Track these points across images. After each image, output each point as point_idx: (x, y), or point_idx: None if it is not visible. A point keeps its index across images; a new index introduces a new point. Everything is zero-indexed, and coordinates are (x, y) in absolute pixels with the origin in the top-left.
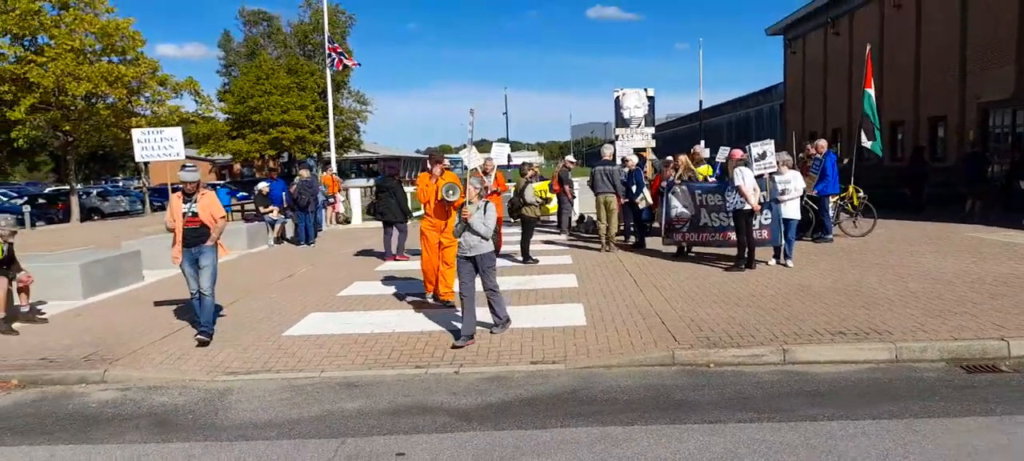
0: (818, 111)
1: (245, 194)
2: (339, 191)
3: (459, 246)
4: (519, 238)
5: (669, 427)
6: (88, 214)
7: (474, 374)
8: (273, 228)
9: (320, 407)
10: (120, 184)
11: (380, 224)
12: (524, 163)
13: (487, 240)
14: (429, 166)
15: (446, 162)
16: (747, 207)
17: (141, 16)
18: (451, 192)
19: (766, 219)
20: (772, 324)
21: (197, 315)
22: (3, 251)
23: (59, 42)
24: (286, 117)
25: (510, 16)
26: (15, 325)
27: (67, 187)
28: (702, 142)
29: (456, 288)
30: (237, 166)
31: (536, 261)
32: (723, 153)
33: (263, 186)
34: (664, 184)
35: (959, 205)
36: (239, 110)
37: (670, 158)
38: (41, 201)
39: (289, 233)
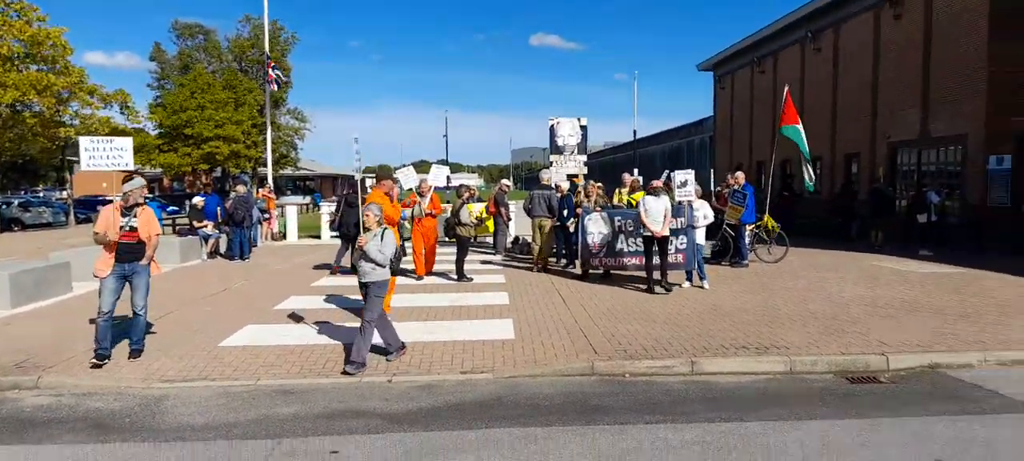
0: (745, 144)
1: (176, 208)
2: (275, 208)
3: (359, 273)
4: (454, 257)
5: (584, 427)
6: (8, 225)
7: (406, 382)
8: (207, 243)
9: (256, 412)
10: (41, 194)
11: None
12: (461, 185)
13: (383, 267)
14: (377, 185)
15: (389, 182)
16: (646, 233)
17: (69, 21)
18: (369, 211)
19: (682, 244)
20: (684, 340)
21: (98, 340)
22: None
23: None
24: (221, 132)
25: (454, 39)
26: None
27: None
28: (636, 171)
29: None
30: (167, 180)
31: (470, 279)
32: (678, 178)
33: (198, 200)
34: (579, 211)
35: (867, 236)
36: (171, 123)
37: (579, 186)
38: None
39: (222, 248)
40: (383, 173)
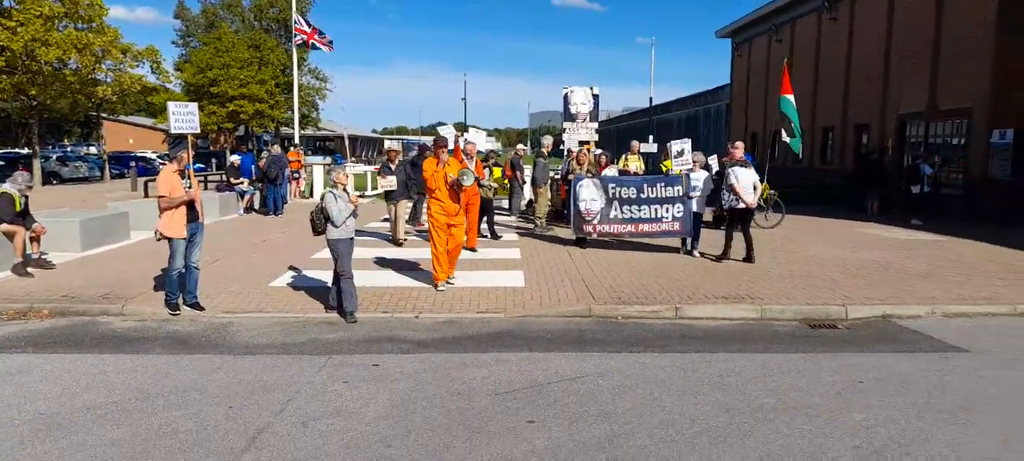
0: (760, 112)
1: (202, 166)
2: (303, 167)
3: (346, 227)
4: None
5: (577, 353)
6: (47, 178)
7: (431, 318)
8: (243, 198)
9: (307, 336)
10: (69, 149)
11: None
12: (489, 151)
13: (336, 228)
14: (436, 154)
15: (449, 148)
16: (741, 205)
17: None
18: (465, 177)
19: (678, 212)
20: (673, 291)
21: (171, 292)
22: (20, 204)
23: (27, 7)
24: (245, 91)
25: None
26: (28, 270)
27: (28, 151)
28: (651, 138)
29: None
30: (192, 138)
31: (500, 237)
32: (674, 148)
33: (234, 159)
34: (571, 177)
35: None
36: (197, 81)
37: (571, 151)
38: (1, 164)
39: (256, 203)
40: (440, 141)
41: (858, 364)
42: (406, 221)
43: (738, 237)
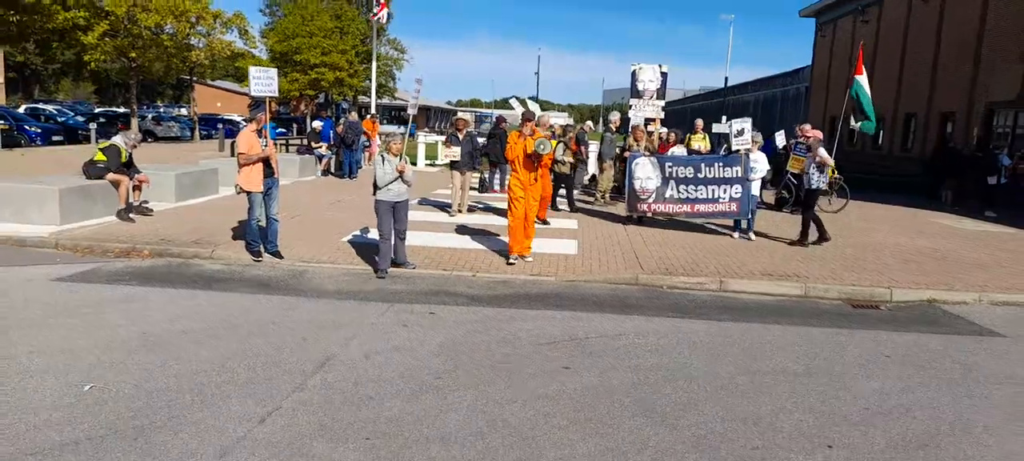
0: (840, 95)
1: (283, 131)
2: (377, 135)
3: (387, 190)
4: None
5: (618, 315)
6: (143, 137)
7: (486, 278)
8: (321, 161)
9: (373, 286)
10: (162, 110)
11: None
12: (566, 126)
13: (409, 187)
14: (520, 126)
15: (534, 122)
16: (820, 185)
17: None
18: (543, 146)
19: (736, 193)
20: (720, 265)
21: (253, 242)
22: (127, 155)
23: None
24: (326, 59)
25: None
26: (131, 215)
27: (125, 110)
28: (724, 118)
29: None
30: (273, 104)
31: (577, 209)
32: (780, 139)
33: (316, 124)
34: (628, 155)
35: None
36: (282, 48)
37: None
38: (102, 120)
39: (333, 167)
40: (528, 115)
41: (890, 341)
42: (478, 190)
43: (792, 220)
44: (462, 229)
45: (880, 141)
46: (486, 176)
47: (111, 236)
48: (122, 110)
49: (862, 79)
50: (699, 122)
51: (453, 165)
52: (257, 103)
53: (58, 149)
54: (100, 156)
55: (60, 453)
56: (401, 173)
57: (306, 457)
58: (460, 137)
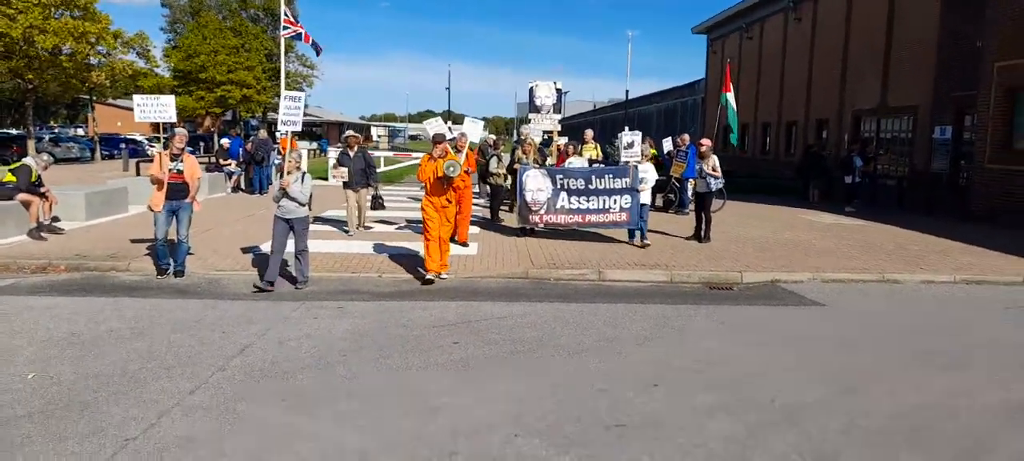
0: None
1: (190, 148)
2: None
3: (278, 208)
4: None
5: (507, 302)
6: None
7: (391, 277)
8: (231, 178)
9: (285, 288)
10: (57, 131)
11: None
12: (496, 139)
13: (303, 206)
14: (431, 148)
15: (446, 143)
16: (716, 188)
17: None
18: (452, 168)
19: (626, 203)
20: (602, 259)
21: (158, 257)
22: (38, 175)
23: None
24: (233, 76)
25: None
26: (42, 234)
27: (19, 132)
28: (627, 128)
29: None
30: (180, 122)
31: (502, 220)
32: (667, 145)
33: (224, 142)
34: (517, 167)
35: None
36: (185, 67)
37: (519, 141)
38: None
39: (243, 183)
40: (438, 137)
41: (731, 312)
42: (372, 207)
43: (678, 218)
44: (371, 237)
45: (767, 147)
46: (380, 193)
47: (25, 254)
48: (15, 132)
49: (729, 96)
50: (589, 132)
51: (346, 184)
52: (169, 127)
53: None
54: (10, 177)
55: (19, 423)
56: (285, 189)
57: (232, 414)
58: (351, 155)
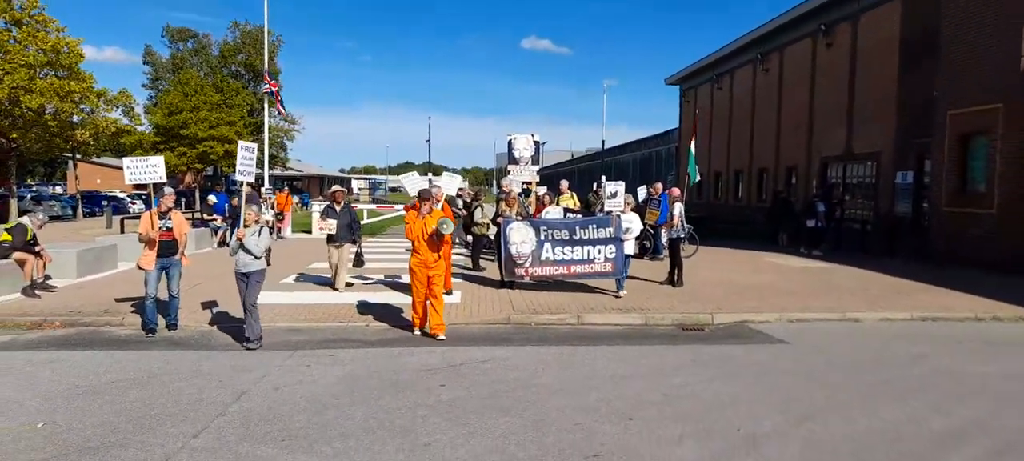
0: (704, 154)
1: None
2: (290, 208)
3: (235, 263)
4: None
5: (490, 346)
6: (22, 216)
7: (377, 327)
8: (217, 234)
9: (277, 338)
10: (33, 190)
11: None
12: (478, 190)
13: (259, 259)
14: (417, 204)
15: (433, 199)
16: (681, 235)
17: (59, 14)
18: (445, 226)
19: (611, 253)
20: (580, 305)
21: (147, 316)
22: (32, 234)
23: (12, 57)
24: (214, 132)
25: (446, 40)
26: (36, 291)
27: (3, 191)
28: (604, 178)
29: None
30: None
31: (483, 268)
32: (642, 193)
33: (211, 198)
34: (501, 220)
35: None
36: (168, 123)
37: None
38: None
39: (228, 239)
40: (425, 194)
41: (702, 350)
42: (354, 264)
43: (652, 265)
44: (355, 291)
45: (739, 193)
46: (362, 250)
47: (20, 311)
48: None
49: (693, 146)
50: (564, 183)
51: (330, 239)
52: (158, 186)
53: None
54: (5, 236)
55: None
56: (241, 240)
57: (235, 455)
58: (337, 209)
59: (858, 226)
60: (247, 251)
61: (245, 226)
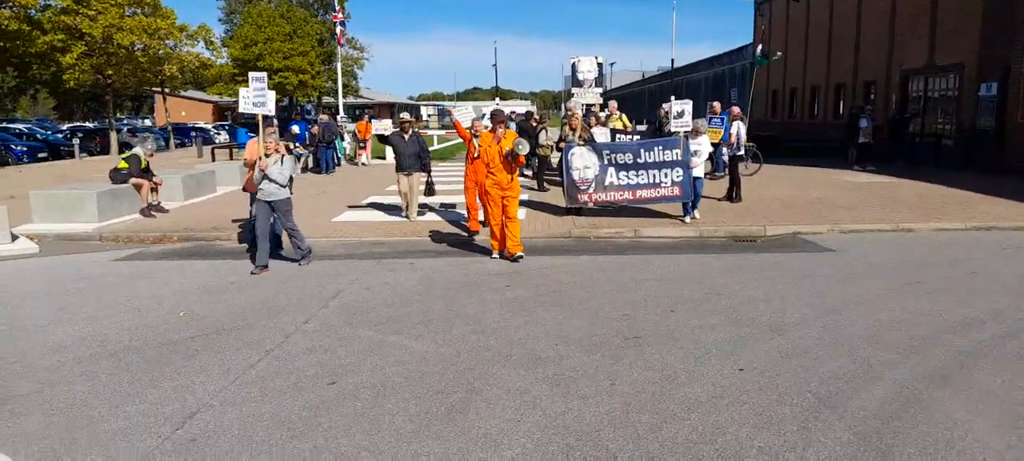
0: (780, 71)
1: (252, 135)
2: (370, 135)
3: (260, 191)
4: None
5: (553, 256)
6: (122, 148)
7: (452, 248)
8: (299, 160)
9: (363, 250)
10: (125, 122)
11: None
12: (544, 113)
13: (284, 187)
14: (492, 126)
15: (508, 122)
16: (740, 153)
17: None
18: (521, 146)
19: (677, 177)
20: (638, 219)
21: (256, 250)
22: (146, 162)
23: None
24: (288, 63)
25: None
26: (152, 212)
27: (94, 125)
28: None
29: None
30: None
31: (548, 189)
32: (674, 109)
33: (293, 128)
34: (564, 145)
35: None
36: (243, 56)
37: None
38: (81, 136)
39: (310, 164)
40: (499, 116)
41: (750, 258)
42: (425, 193)
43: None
44: (428, 211)
45: (816, 110)
46: (433, 179)
47: (143, 229)
48: (93, 126)
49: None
50: (613, 104)
51: (399, 167)
52: (266, 119)
53: (45, 165)
54: (123, 164)
55: (186, 343)
56: (264, 171)
57: (337, 334)
58: (405, 138)
59: (932, 140)
60: (271, 180)
61: (267, 155)
